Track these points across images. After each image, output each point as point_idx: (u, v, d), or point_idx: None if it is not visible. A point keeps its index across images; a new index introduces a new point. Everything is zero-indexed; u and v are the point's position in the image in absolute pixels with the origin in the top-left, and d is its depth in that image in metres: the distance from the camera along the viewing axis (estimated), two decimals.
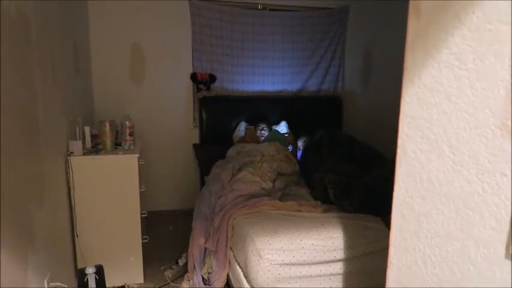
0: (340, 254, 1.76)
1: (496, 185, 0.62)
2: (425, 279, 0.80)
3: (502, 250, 0.61)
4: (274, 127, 3.60)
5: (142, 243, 2.53)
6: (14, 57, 1.51)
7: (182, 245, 2.76)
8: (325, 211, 2.05)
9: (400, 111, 0.88)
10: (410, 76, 0.82)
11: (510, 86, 0.59)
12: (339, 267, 1.76)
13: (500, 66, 0.61)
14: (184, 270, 2.63)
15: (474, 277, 0.67)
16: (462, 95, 0.69)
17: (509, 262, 0.60)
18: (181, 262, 2.72)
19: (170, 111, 3.63)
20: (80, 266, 2.34)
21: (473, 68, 0.66)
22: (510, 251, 0.59)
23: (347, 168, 2.39)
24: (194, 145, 3.68)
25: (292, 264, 1.70)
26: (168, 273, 2.61)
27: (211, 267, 2.21)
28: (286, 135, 3.51)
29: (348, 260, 1.77)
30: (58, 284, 1.71)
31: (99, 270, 1.73)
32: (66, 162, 2.23)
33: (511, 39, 0.59)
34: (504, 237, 0.61)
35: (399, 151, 0.88)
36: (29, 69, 1.70)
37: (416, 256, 0.83)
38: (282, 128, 3.65)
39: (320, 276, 1.73)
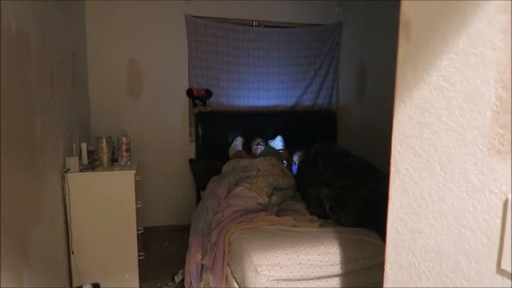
0: (337, 269, 1.77)
1: (486, 202, 0.65)
2: None
3: (493, 265, 0.63)
4: (269, 141, 3.63)
5: (138, 259, 2.52)
6: (14, 73, 1.53)
7: (178, 262, 2.74)
8: (321, 226, 2.07)
9: (393, 130, 0.91)
10: (401, 97, 0.85)
11: (495, 108, 0.62)
12: (336, 283, 1.77)
13: (486, 88, 0.64)
14: (181, 287, 2.61)
15: None
16: (451, 115, 0.72)
17: (500, 277, 0.62)
18: (177, 279, 2.71)
19: (166, 126, 3.65)
20: (75, 283, 2.32)
21: (461, 90, 0.70)
22: (501, 267, 0.61)
23: (342, 182, 2.41)
24: (190, 160, 3.69)
25: (289, 279, 1.70)
26: None
27: (208, 283, 2.20)
28: (281, 151, 3.54)
29: (345, 275, 1.78)
30: None
31: None
32: (63, 178, 2.23)
33: (495, 63, 0.62)
34: (495, 252, 0.63)
35: (392, 168, 0.90)
36: (28, 85, 1.72)
37: (412, 272, 0.85)
38: (278, 142, 3.68)
39: None
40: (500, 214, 0.62)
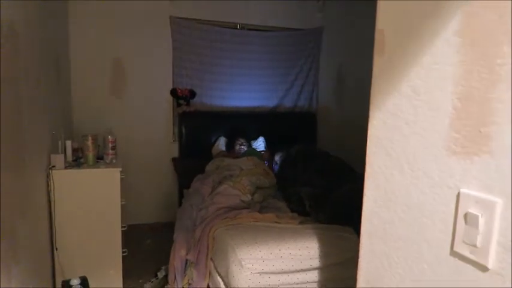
0: (316, 263, 1.88)
1: (444, 196, 0.76)
2: (390, 278, 0.93)
3: (447, 249, 0.74)
4: (252, 142, 3.72)
5: (122, 256, 2.56)
6: (4, 72, 1.56)
7: (161, 258, 2.80)
8: (301, 222, 2.17)
9: (368, 132, 1.02)
10: (376, 103, 0.96)
11: (452, 115, 0.74)
12: (314, 275, 1.88)
13: (445, 98, 0.75)
14: (163, 283, 2.67)
15: (428, 273, 0.80)
16: (417, 120, 0.83)
17: (452, 258, 0.73)
18: (160, 275, 2.76)
19: (150, 125, 3.69)
20: (58, 279, 2.34)
21: (425, 99, 0.81)
22: (453, 249, 0.73)
23: (321, 181, 2.53)
24: (173, 159, 3.74)
25: (271, 272, 1.80)
26: (147, 286, 2.64)
27: (192, 278, 2.27)
28: (263, 152, 3.64)
29: (323, 268, 1.89)
30: None
31: (84, 282, 1.76)
32: (48, 175, 2.25)
33: (451, 77, 0.73)
34: (449, 238, 0.74)
35: (367, 167, 1.01)
36: (15, 83, 1.75)
37: (382, 258, 0.96)
38: (260, 143, 3.78)
39: (297, 284, 1.84)
40: (453, 205, 0.73)
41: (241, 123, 3.83)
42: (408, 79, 0.85)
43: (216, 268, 2.10)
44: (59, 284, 2.30)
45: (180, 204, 3.15)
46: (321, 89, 4.27)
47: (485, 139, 0.68)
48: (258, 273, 1.78)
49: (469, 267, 0.71)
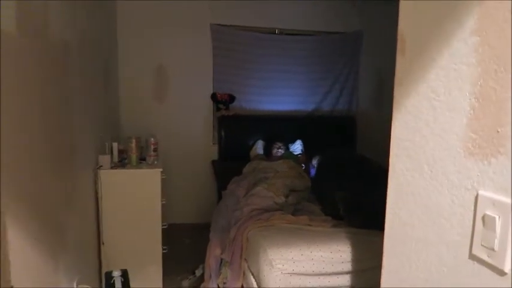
0: (348, 267, 1.86)
1: (462, 197, 0.75)
2: (410, 280, 0.92)
3: (466, 252, 0.73)
4: (289, 145, 3.74)
5: (162, 253, 2.68)
6: (58, 79, 1.72)
7: (198, 257, 2.89)
8: (334, 226, 2.16)
9: (391, 135, 1.02)
10: (397, 105, 0.96)
11: (470, 115, 0.73)
12: (346, 280, 1.86)
13: (463, 99, 0.74)
14: (201, 280, 2.76)
15: (447, 276, 0.79)
16: (437, 121, 0.82)
17: (471, 261, 0.72)
18: (198, 273, 2.86)
19: (191, 128, 3.84)
20: (104, 271, 2.51)
21: (444, 100, 0.80)
22: (472, 252, 0.71)
23: (356, 185, 2.49)
24: (213, 161, 3.85)
25: (302, 274, 1.81)
26: (185, 283, 2.75)
27: (226, 277, 2.34)
28: (299, 155, 3.65)
29: (355, 273, 1.87)
30: (86, 286, 1.87)
31: (124, 274, 1.89)
32: (96, 174, 2.43)
33: (469, 77, 0.72)
34: (468, 241, 0.73)
35: (390, 169, 1.01)
36: (68, 89, 1.92)
37: (404, 260, 0.95)
38: (297, 146, 3.79)
39: None
40: (472, 207, 0.72)
41: (279, 127, 3.87)
42: (427, 80, 0.85)
43: (249, 268, 2.14)
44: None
45: (217, 205, 3.24)
46: (361, 93, 4.19)
47: (502, 139, 0.66)
48: (289, 273, 1.80)
49: (487, 271, 0.69)
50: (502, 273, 0.66)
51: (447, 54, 0.78)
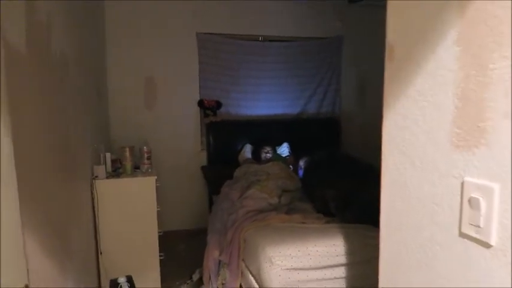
0: (342, 259, 1.97)
1: (450, 185, 0.86)
2: (407, 263, 1.03)
3: (456, 231, 0.85)
4: (277, 148, 3.85)
5: (159, 260, 2.73)
6: (58, 93, 1.77)
7: (194, 262, 2.95)
8: (327, 222, 2.28)
9: (382, 133, 1.13)
10: (388, 106, 1.08)
11: (454, 114, 0.84)
12: (341, 272, 1.97)
13: (447, 99, 0.86)
14: (198, 285, 2.82)
15: (441, 254, 0.90)
16: (425, 120, 0.94)
17: (461, 239, 0.83)
18: (194, 277, 2.91)
19: (180, 135, 3.90)
20: (102, 280, 2.53)
21: (430, 100, 0.92)
22: (461, 230, 0.83)
23: (346, 183, 2.62)
24: (202, 167, 3.92)
25: (300, 269, 1.91)
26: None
27: (225, 278, 2.41)
28: (287, 157, 3.77)
29: (350, 265, 1.98)
30: None
31: (130, 280, 1.93)
32: (92, 185, 2.46)
33: (452, 81, 0.84)
34: (457, 221, 0.84)
35: (383, 164, 1.12)
36: (66, 100, 1.96)
37: (400, 246, 1.06)
38: (284, 149, 3.90)
39: (325, 280, 1.94)
40: (459, 192, 0.84)
41: (266, 131, 3.98)
42: (415, 83, 0.96)
43: (247, 267, 2.22)
44: (103, 285, 2.49)
45: (210, 210, 3.31)
46: (344, 95, 4.36)
47: (482, 133, 0.78)
48: (287, 269, 1.90)
49: (475, 246, 0.81)
50: (488, 245, 0.77)
51: (433, 61, 0.90)
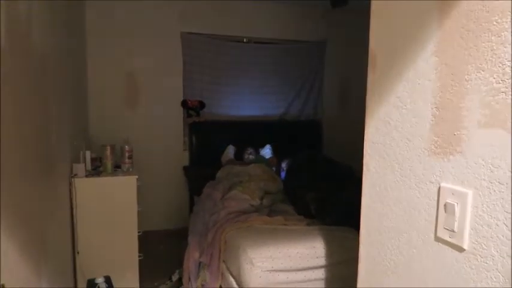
0: (322, 261, 2.01)
1: (427, 190, 0.90)
2: (385, 265, 1.06)
3: (432, 235, 0.88)
4: (260, 149, 3.87)
5: (138, 260, 2.69)
6: (38, 89, 1.73)
7: (174, 263, 2.93)
8: (308, 224, 2.30)
9: (364, 138, 1.16)
10: (370, 112, 1.11)
11: (432, 122, 0.88)
12: (321, 273, 2.00)
13: (426, 108, 0.89)
14: (177, 285, 2.80)
15: (416, 256, 0.93)
16: (404, 126, 0.97)
17: (436, 243, 0.87)
18: (174, 278, 2.89)
19: (162, 135, 3.86)
20: (78, 281, 2.48)
21: (410, 108, 0.95)
22: (437, 235, 0.86)
23: (326, 186, 2.66)
24: (184, 167, 3.89)
25: (280, 270, 1.93)
26: None
27: (205, 280, 2.40)
28: (270, 159, 3.79)
29: (329, 266, 2.01)
30: None
31: (108, 281, 1.90)
32: (71, 183, 2.41)
33: (430, 90, 0.88)
34: (433, 226, 0.88)
35: (364, 168, 1.15)
36: (46, 99, 1.92)
37: (379, 248, 1.09)
38: (267, 151, 3.93)
39: (305, 282, 1.96)
40: (436, 197, 0.87)
41: (249, 132, 3.99)
42: (396, 91, 0.99)
43: (228, 269, 2.22)
44: (79, 285, 2.44)
45: (190, 210, 3.29)
46: (327, 98, 4.42)
47: (458, 141, 0.82)
48: (268, 271, 1.91)
49: (449, 250, 0.84)
50: (461, 249, 0.81)
51: (412, 70, 0.93)
